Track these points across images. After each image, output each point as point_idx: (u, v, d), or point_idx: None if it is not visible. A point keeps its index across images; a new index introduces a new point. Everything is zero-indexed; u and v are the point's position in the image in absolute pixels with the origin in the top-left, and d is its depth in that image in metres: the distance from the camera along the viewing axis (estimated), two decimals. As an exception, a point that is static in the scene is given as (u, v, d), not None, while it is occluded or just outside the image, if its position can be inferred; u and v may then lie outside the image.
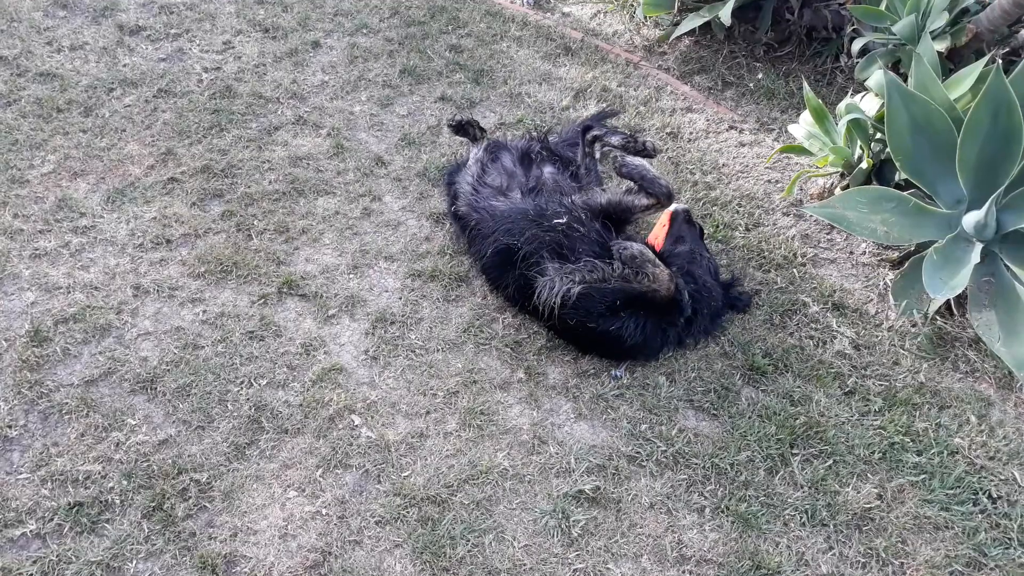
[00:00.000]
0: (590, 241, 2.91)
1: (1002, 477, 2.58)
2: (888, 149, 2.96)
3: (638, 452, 2.63)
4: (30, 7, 4.50)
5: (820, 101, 3.38)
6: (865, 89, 3.44)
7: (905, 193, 2.93)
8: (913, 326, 3.05)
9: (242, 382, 2.77)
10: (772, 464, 2.60)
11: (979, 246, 2.81)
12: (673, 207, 3.09)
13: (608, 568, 2.35)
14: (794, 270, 3.26)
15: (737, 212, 3.51)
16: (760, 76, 4.30)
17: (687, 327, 2.89)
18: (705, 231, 3.27)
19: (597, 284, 2.80)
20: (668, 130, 3.93)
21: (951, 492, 2.53)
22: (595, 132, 3.48)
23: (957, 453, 2.64)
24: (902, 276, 3.09)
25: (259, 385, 2.76)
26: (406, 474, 2.54)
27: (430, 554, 2.34)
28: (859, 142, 3.27)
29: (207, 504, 2.44)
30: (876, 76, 3.29)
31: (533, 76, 4.25)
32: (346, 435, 2.63)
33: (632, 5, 4.78)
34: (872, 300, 3.16)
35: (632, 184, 3.12)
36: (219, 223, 3.35)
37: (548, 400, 2.78)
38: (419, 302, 3.09)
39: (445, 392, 2.78)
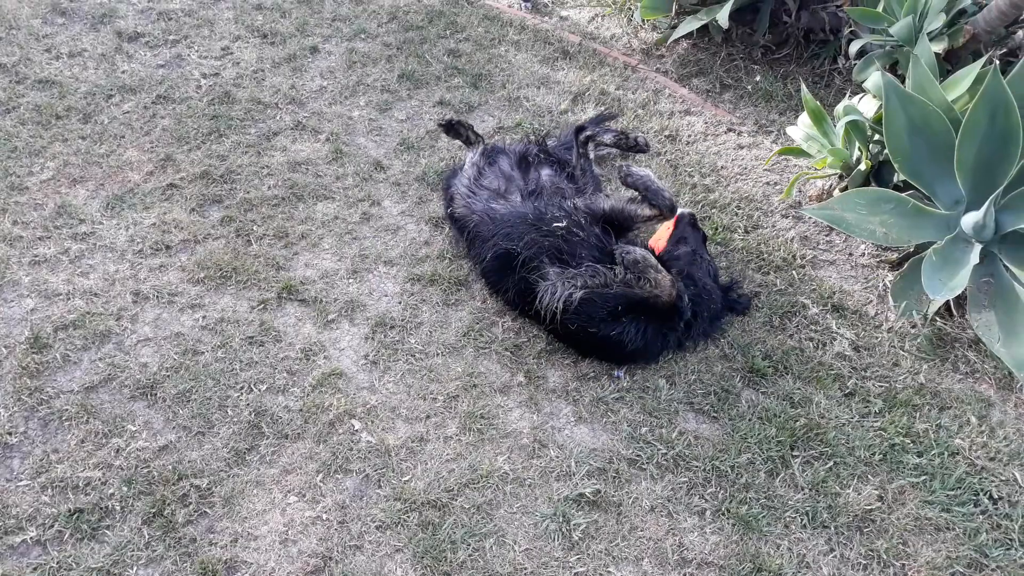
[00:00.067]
0: (590, 246, 2.91)
1: (1003, 478, 2.58)
2: (886, 150, 2.96)
3: (638, 455, 2.62)
4: (29, 14, 4.51)
5: (818, 103, 3.38)
6: (863, 91, 3.45)
7: (904, 194, 2.94)
8: (913, 327, 3.05)
9: (242, 387, 2.77)
10: (773, 466, 2.60)
11: (978, 247, 2.81)
12: (680, 209, 3.12)
13: (609, 571, 2.35)
14: (793, 272, 3.26)
15: (736, 214, 3.51)
16: (758, 78, 4.31)
17: (687, 330, 2.89)
18: (708, 237, 3.27)
19: (599, 289, 2.80)
20: (666, 133, 3.94)
21: (952, 493, 2.53)
22: (588, 132, 3.50)
23: (958, 454, 2.64)
24: (901, 277, 3.09)
25: (259, 390, 2.76)
26: (406, 478, 2.54)
27: (431, 558, 2.34)
28: (857, 144, 3.28)
29: (207, 510, 2.44)
30: (874, 78, 3.29)
31: (531, 80, 4.26)
32: (346, 440, 2.63)
33: (630, 8, 4.79)
34: (871, 301, 3.16)
35: (636, 193, 3.14)
36: (218, 229, 3.35)
37: (548, 404, 2.78)
38: (419, 306, 3.09)
39: (445, 396, 2.78)
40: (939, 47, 3.40)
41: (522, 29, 4.64)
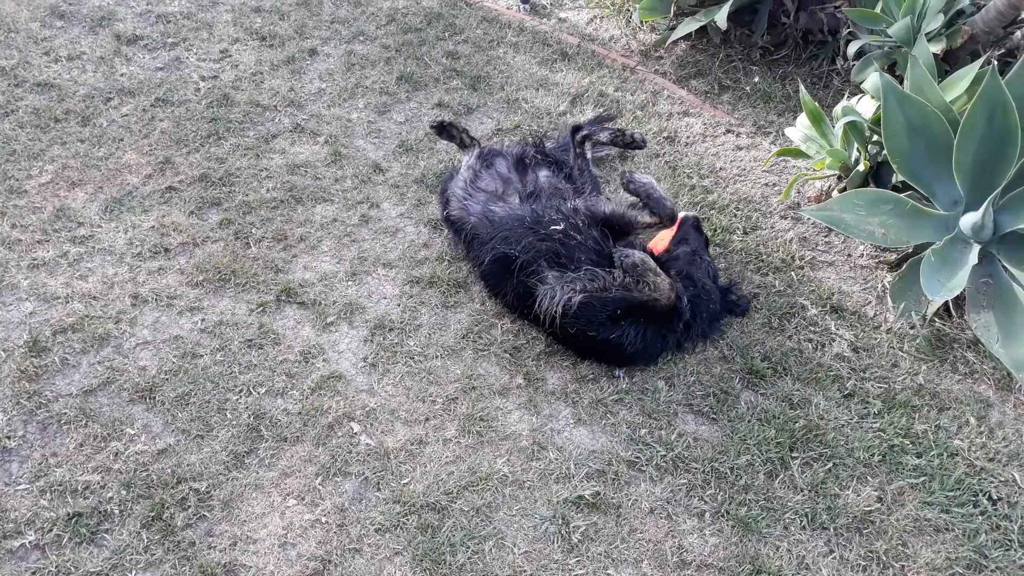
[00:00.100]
0: (588, 249, 2.91)
1: (1002, 478, 2.58)
2: (885, 151, 2.96)
3: (638, 457, 2.62)
4: (27, 17, 4.51)
5: (816, 104, 3.38)
6: (861, 92, 3.45)
7: (902, 195, 2.94)
8: (912, 328, 3.05)
9: (241, 390, 2.77)
10: (772, 468, 2.60)
11: (976, 247, 2.81)
12: (683, 213, 3.15)
13: (608, 574, 2.34)
14: (792, 273, 3.26)
15: (735, 216, 3.51)
16: (756, 80, 4.31)
17: (686, 331, 2.89)
18: (710, 240, 3.27)
19: (598, 293, 2.80)
20: (665, 134, 3.94)
21: (951, 494, 2.53)
22: (584, 132, 3.50)
23: (957, 455, 2.64)
24: (900, 278, 3.09)
25: (258, 393, 2.76)
26: (405, 481, 2.54)
27: (430, 561, 2.34)
28: (856, 145, 3.28)
29: (206, 513, 2.44)
30: (872, 78, 3.29)
31: (530, 82, 4.26)
32: (345, 443, 2.63)
33: (628, 10, 4.79)
34: (870, 302, 3.16)
35: (636, 199, 3.15)
36: (217, 231, 3.35)
37: (547, 406, 2.78)
38: (417, 308, 3.09)
39: (444, 398, 2.78)
40: (937, 48, 3.40)
41: (521, 31, 4.64)
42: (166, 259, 3.22)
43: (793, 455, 2.63)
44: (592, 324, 2.79)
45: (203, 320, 2.99)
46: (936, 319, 3.06)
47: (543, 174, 3.35)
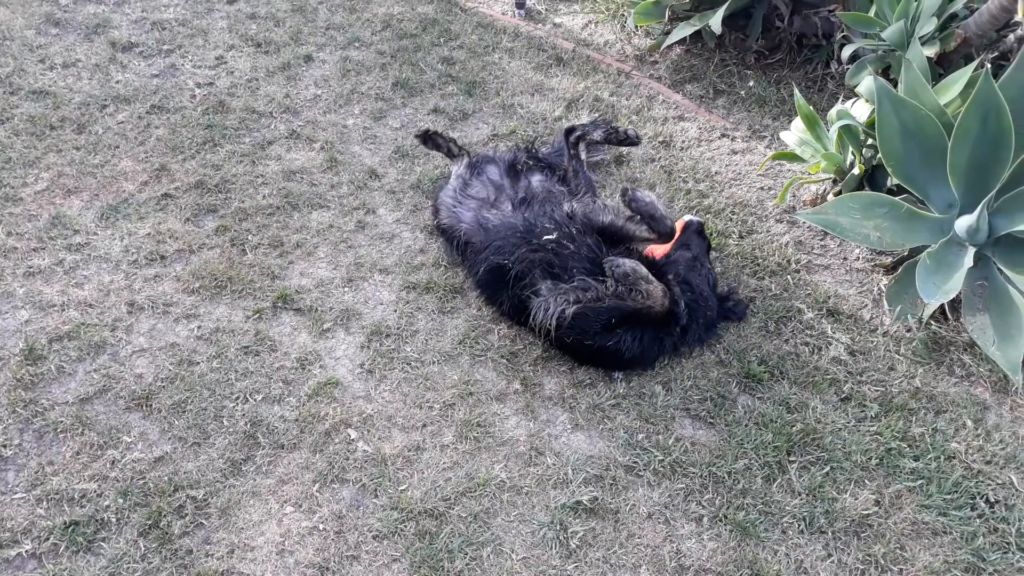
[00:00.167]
0: (581, 258, 2.90)
1: (999, 481, 2.58)
2: (879, 155, 2.97)
3: (635, 462, 2.62)
4: (22, 25, 4.50)
5: (811, 108, 3.39)
6: (856, 95, 3.46)
7: (897, 198, 2.94)
8: (908, 331, 3.05)
9: (238, 398, 2.76)
10: (769, 472, 2.60)
11: (971, 250, 2.82)
12: (688, 217, 3.14)
13: (607, 579, 2.34)
14: (788, 277, 3.26)
15: (730, 220, 3.52)
16: (751, 84, 4.32)
17: (682, 335, 2.89)
18: (712, 247, 3.27)
19: (591, 303, 2.79)
20: (660, 139, 3.95)
21: (949, 497, 2.53)
22: (578, 132, 3.50)
23: (954, 458, 2.64)
24: (896, 281, 3.09)
25: (255, 400, 2.76)
26: (403, 488, 2.54)
27: (428, 568, 2.33)
28: (851, 148, 3.28)
29: (204, 521, 2.43)
30: (866, 82, 3.31)
31: (525, 87, 4.27)
32: (342, 449, 2.63)
33: (623, 15, 4.80)
34: (866, 306, 3.16)
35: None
36: (213, 238, 3.35)
37: (545, 411, 2.78)
38: (414, 314, 3.09)
39: (441, 404, 2.78)
40: (931, 51, 3.41)
41: (516, 36, 4.65)
42: (162, 266, 3.22)
43: (790, 459, 2.63)
44: (588, 333, 2.79)
45: (199, 327, 2.99)
46: (932, 322, 3.06)
47: (536, 179, 3.35)
